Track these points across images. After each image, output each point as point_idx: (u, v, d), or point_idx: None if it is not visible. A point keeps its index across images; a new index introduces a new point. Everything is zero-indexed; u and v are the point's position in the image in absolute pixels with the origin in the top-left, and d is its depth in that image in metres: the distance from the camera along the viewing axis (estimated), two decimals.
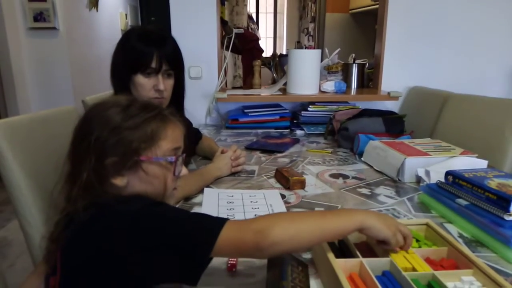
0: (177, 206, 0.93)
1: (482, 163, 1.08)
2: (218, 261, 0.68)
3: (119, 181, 0.60)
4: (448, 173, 0.88)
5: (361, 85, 2.14)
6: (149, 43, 1.00)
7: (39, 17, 3.16)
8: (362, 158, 1.31)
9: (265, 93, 1.95)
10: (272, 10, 5.22)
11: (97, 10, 4.10)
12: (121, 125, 0.60)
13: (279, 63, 2.28)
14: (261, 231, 0.53)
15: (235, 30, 2.06)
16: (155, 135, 0.62)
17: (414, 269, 0.58)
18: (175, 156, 0.65)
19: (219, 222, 0.55)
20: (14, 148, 0.88)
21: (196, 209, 0.91)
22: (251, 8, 4.80)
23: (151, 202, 0.59)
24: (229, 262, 0.67)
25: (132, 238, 0.53)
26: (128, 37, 1.03)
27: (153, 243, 0.52)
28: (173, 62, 1.05)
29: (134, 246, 0.52)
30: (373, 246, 0.66)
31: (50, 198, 0.65)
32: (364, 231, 0.60)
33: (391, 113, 1.60)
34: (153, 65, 1.00)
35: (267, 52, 3.33)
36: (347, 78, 2.09)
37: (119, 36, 1.09)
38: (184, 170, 0.69)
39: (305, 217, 0.60)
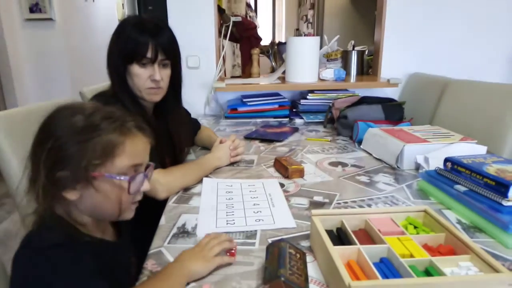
0: (175, 197, 0.93)
1: (481, 149, 1.07)
2: None
3: (71, 195, 0.59)
4: (447, 160, 0.88)
5: (360, 72, 2.13)
6: (144, 32, 0.99)
7: (35, 8, 3.12)
8: (361, 146, 1.31)
9: (264, 82, 1.94)
10: None
11: (93, 0, 4.05)
12: (75, 139, 0.57)
13: (278, 51, 2.26)
14: None
15: (232, 18, 2.04)
16: (110, 151, 0.59)
17: (411, 256, 0.58)
18: (131, 176, 0.61)
19: None
20: (12, 141, 0.88)
21: (195, 199, 0.92)
22: None
23: (58, 242, 0.57)
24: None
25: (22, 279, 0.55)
26: (123, 26, 1.01)
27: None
28: (169, 52, 1.03)
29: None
30: (371, 234, 0.66)
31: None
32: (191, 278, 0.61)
33: (390, 100, 1.59)
34: (149, 54, 0.99)
35: (266, 40, 3.29)
36: (346, 66, 2.08)
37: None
38: (145, 185, 0.66)
39: None
